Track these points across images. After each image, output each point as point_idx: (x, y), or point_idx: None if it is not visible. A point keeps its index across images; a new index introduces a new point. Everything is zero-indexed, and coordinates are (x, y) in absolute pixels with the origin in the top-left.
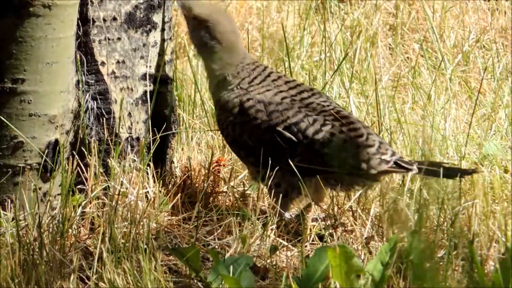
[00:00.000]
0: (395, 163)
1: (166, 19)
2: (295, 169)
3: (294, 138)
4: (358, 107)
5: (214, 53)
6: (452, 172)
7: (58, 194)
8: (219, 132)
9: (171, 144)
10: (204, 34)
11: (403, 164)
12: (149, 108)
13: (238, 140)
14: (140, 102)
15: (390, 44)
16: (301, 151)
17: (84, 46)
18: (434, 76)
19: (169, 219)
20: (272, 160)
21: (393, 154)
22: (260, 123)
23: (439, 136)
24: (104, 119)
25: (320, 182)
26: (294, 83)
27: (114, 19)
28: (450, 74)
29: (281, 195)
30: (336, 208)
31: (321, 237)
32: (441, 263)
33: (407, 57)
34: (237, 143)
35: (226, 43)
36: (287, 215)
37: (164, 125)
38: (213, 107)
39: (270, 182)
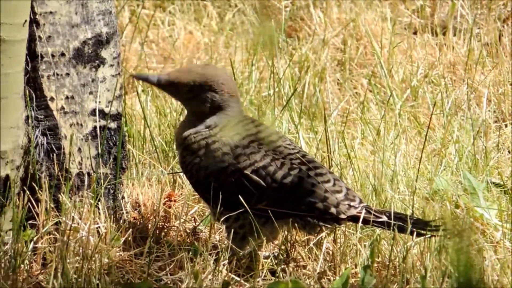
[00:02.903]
0: (365, 209)
1: (114, 55)
2: (269, 212)
3: (262, 182)
4: (307, 143)
5: (226, 107)
6: (419, 226)
7: (10, 230)
8: (178, 171)
9: (122, 179)
10: (211, 95)
11: (373, 212)
12: (99, 143)
13: (202, 182)
14: (90, 137)
15: (338, 79)
16: (269, 195)
17: (33, 81)
18: (383, 111)
19: (121, 255)
20: (237, 203)
21: (361, 201)
22: (227, 166)
23: (390, 171)
24: (55, 154)
25: (287, 225)
26: (263, 127)
27: (63, 54)
28: (399, 109)
29: (240, 236)
30: (288, 244)
31: (273, 272)
32: None
33: (356, 92)
34: (202, 186)
35: (235, 94)
36: (241, 253)
37: (114, 161)
38: (172, 146)
39: (231, 223)
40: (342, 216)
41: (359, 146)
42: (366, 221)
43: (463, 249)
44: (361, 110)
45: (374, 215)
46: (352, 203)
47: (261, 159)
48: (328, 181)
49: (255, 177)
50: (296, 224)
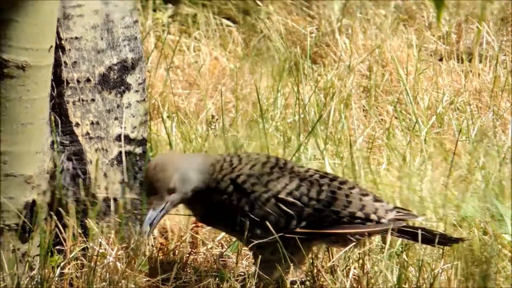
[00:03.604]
0: (397, 211)
1: (140, 80)
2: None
3: (299, 203)
4: (333, 169)
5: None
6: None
7: (37, 255)
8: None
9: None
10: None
11: (405, 212)
12: (124, 168)
13: (233, 216)
14: (115, 162)
15: (364, 106)
16: (308, 215)
17: (58, 107)
18: (409, 137)
19: (147, 280)
20: (274, 229)
21: (388, 202)
22: (260, 195)
23: (416, 198)
24: (80, 179)
25: (322, 245)
26: (265, 157)
27: (88, 80)
28: (424, 135)
29: (269, 263)
30: (314, 270)
31: None
32: None
33: (381, 119)
34: (233, 219)
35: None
36: (270, 280)
37: (140, 186)
38: None
39: (261, 250)
40: (383, 220)
41: (385, 172)
42: (401, 231)
43: (490, 276)
44: (386, 137)
45: (410, 214)
46: (385, 206)
47: (290, 182)
48: (354, 187)
49: (291, 199)
50: (328, 241)
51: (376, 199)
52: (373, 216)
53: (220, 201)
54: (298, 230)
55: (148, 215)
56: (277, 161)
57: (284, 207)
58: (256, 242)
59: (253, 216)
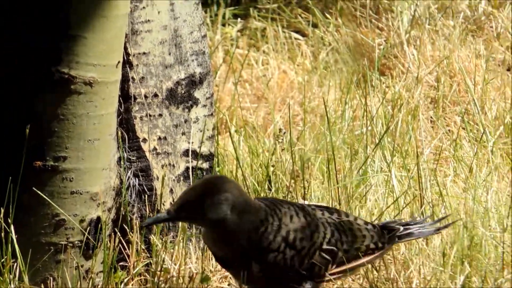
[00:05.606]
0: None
1: (207, 95)
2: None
3: (335, 248)
4: (399, 181)
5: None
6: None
7: (100, 272)
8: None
9: None
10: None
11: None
12: (191, 184)
13: (289, 275)
14: (182, 178)
15: (431, 117)
16: (340, 257)
17: (125, 122)
18: (476, 148)
19: None
20: (318, 277)
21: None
22: (309, 249)
23: (481, 209)
24: (146, 195)
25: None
26: (290, 203)
27: (156, 95)
28: (491, 146)
29: None
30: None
31: None
32: None
33: (449, 130)
34: (288, 277)
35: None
36: None
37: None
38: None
39: None
40: (388, 246)
41: (451, 183)
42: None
43: None
44: (453, 148)
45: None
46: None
47: (325, 229)
48: (356, 219)
49: (330, 247)
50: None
51: (367, 223)
52: (379, 244)
53: (272, 260)
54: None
55: (159, 215)
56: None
57: (326, 256)
58: None
59: (302, 271)
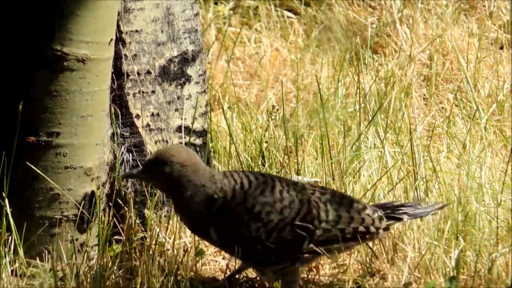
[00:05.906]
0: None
1: (200, 72)
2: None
3: (311, 226)
4: (393, 157)
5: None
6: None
7: (95, 245)
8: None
9: None
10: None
11: (393, 215)
12: None
13: (253, 246)
14: None
15: (424, 95)
16: (319, 235)
17: (118, 99)
18: (469, 125)
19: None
20: (288, 253)
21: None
22: (277, 223)
23: (475, 184)
24: None
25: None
26: (270, 179)
27: (148, 72)
28: (485, 123)
29: (294, 281)
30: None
31: None
32: None
33: (442, 107)
34: (252, 249)
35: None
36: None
37: None
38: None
39: (284, 273)
40: (380, 231)
41: (445, 159)
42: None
43: None
44: (446, 125)
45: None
46: (378, 214)
47: (302, 206)
48: (353, 201)
49: (305, 224)
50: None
51: (365, 206)
52: (372, 229)
53: (234, 228)
54: (307, 250)
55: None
56: (282, 181)
57: (299, 231)
58: (278, 269)
59: (269, 244)
